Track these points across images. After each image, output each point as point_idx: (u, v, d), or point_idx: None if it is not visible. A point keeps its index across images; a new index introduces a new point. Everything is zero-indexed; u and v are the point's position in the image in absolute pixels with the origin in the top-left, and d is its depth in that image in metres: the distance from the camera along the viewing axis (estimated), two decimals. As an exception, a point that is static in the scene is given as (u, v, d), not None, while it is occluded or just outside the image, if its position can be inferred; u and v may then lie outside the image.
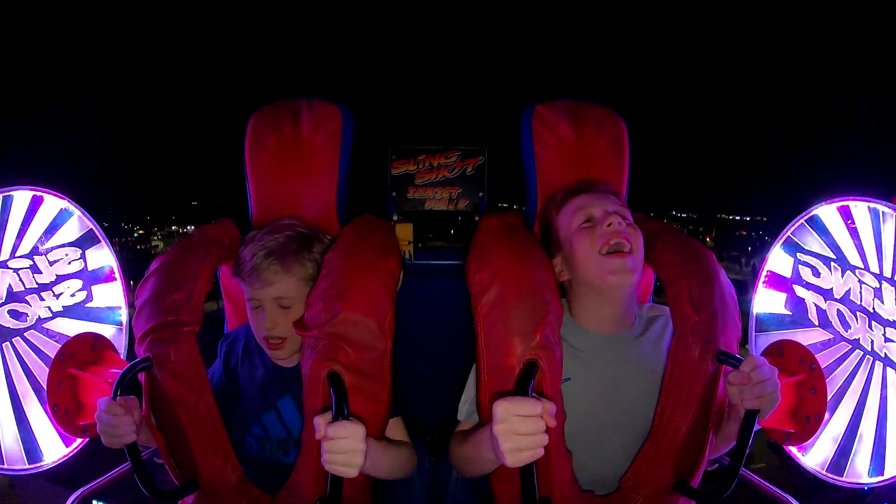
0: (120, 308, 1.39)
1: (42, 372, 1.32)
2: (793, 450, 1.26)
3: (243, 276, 1.14)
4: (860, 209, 1.25)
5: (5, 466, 1.30)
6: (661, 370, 1.11)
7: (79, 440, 1.28)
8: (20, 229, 1.35)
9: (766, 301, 1.39)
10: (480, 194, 1.52)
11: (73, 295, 1.37)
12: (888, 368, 1.19)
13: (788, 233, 1.36)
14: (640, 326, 1.17)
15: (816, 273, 1.30)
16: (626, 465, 1.09)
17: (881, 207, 1.21)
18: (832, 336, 1.27)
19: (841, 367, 1.25)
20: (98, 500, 1.19)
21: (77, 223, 1.38)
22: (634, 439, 1.10)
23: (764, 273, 1.40)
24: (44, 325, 1.35)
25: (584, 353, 1.12)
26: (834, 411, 1.23)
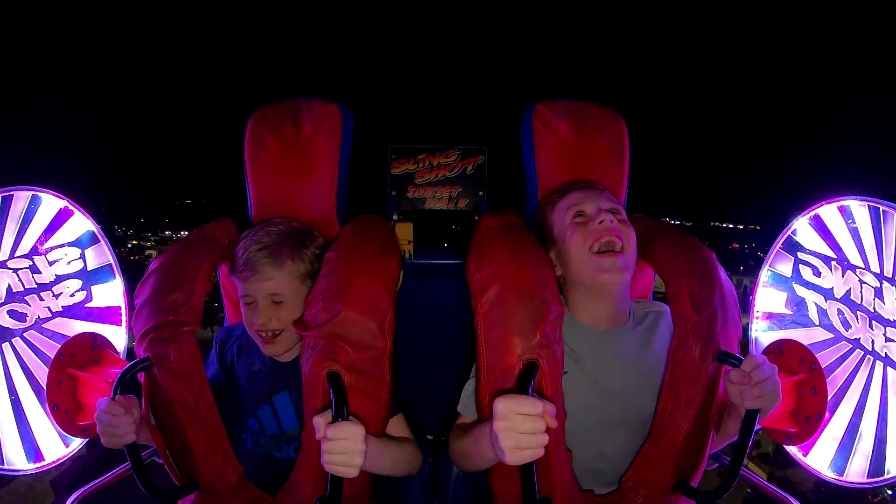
0: (119, 308, 1.38)
1: (42, 372, 1.31)
2: (793, 449, 1.26)
3: (237, 272, 1.15)
4: (861, 208, 1.24)
5: (5, 466, 1.30)
6: (652, 367, 1.12)
7: (79, 440, 1.28)
8: (19, 229, 1.35)
9: (767, 300, 1.38)
10: (480, 194, 1.52)
11: (72, 295, 1.37)
12: (889, 368, 1.19)
13: (789, 232, 1.36)
14: (633, 323, 1.17)
15: (817, 272, 1.30)
16: (623, 461, 1.10)
17: (882, 207, 1.21)
18: (833, 336, 1.27)
19: (841, 366, 1.24)
20: (98, 500, 1.18)
21: (76, 223, 1.38)
22: (631, 436, 1.10)
23: (764, 272, 1.40)
24: (43, 326, 1.35)
25: (578, 348, 1.12)
26: (834, 411, 1.23)
